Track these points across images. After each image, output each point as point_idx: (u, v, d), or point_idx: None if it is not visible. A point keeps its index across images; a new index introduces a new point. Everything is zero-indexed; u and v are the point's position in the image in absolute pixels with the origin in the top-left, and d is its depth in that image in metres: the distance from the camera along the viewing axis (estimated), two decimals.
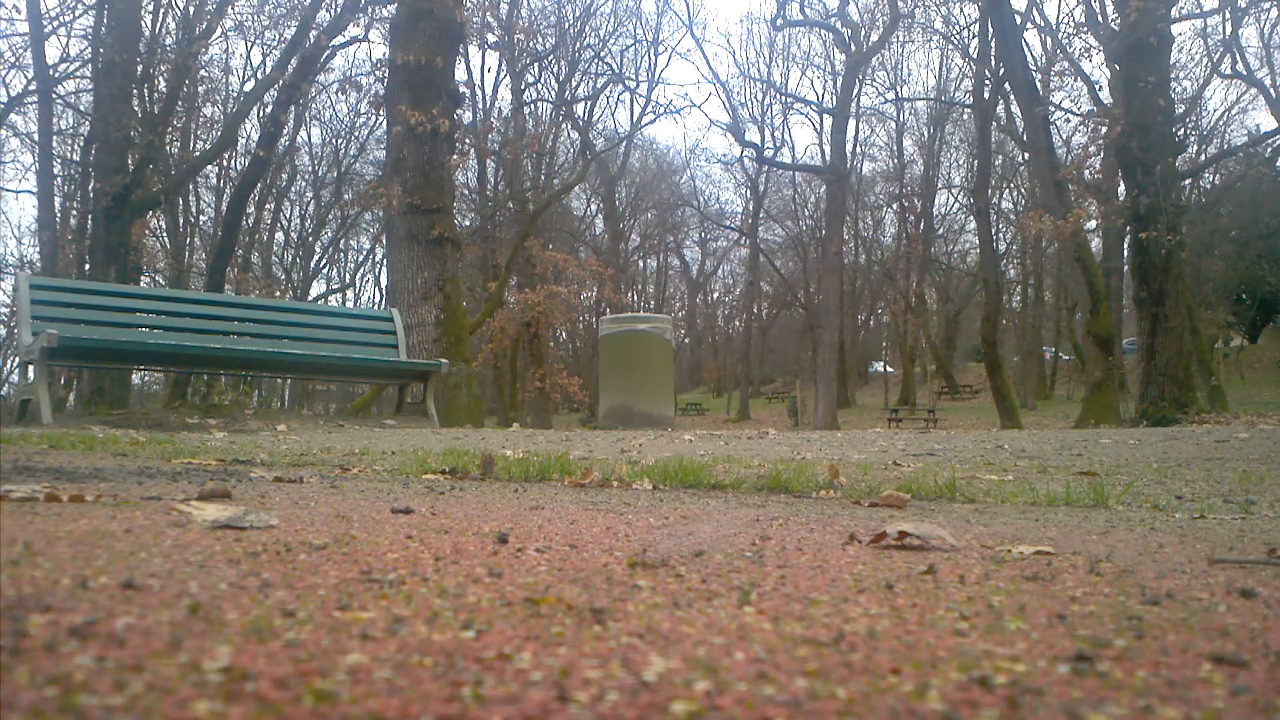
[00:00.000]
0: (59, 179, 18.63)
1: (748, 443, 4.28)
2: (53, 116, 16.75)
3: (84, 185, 16.59)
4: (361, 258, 33.31)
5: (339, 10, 13.77)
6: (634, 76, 27.22)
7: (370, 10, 13.73)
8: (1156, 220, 11.79)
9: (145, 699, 0.48)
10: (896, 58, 32.64)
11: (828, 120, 28.05)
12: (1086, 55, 18.93)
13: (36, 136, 16.64)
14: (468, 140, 12.26)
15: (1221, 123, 26.62)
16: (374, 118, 22.61)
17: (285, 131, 18.95)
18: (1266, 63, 22.76)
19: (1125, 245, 17.10)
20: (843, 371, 30.31)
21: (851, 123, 27.79)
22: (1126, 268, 17.44)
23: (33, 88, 16.01)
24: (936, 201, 32.52)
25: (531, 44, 22.08)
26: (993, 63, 20.43)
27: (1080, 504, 2.02)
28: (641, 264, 39.91)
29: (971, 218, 28.80)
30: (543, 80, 26.57)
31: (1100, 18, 15.92)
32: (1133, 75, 12.28)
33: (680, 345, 41.92)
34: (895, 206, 32.93)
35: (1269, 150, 22.31)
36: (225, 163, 22.48)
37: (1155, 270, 11.89)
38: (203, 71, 16.93)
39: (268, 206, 26.65)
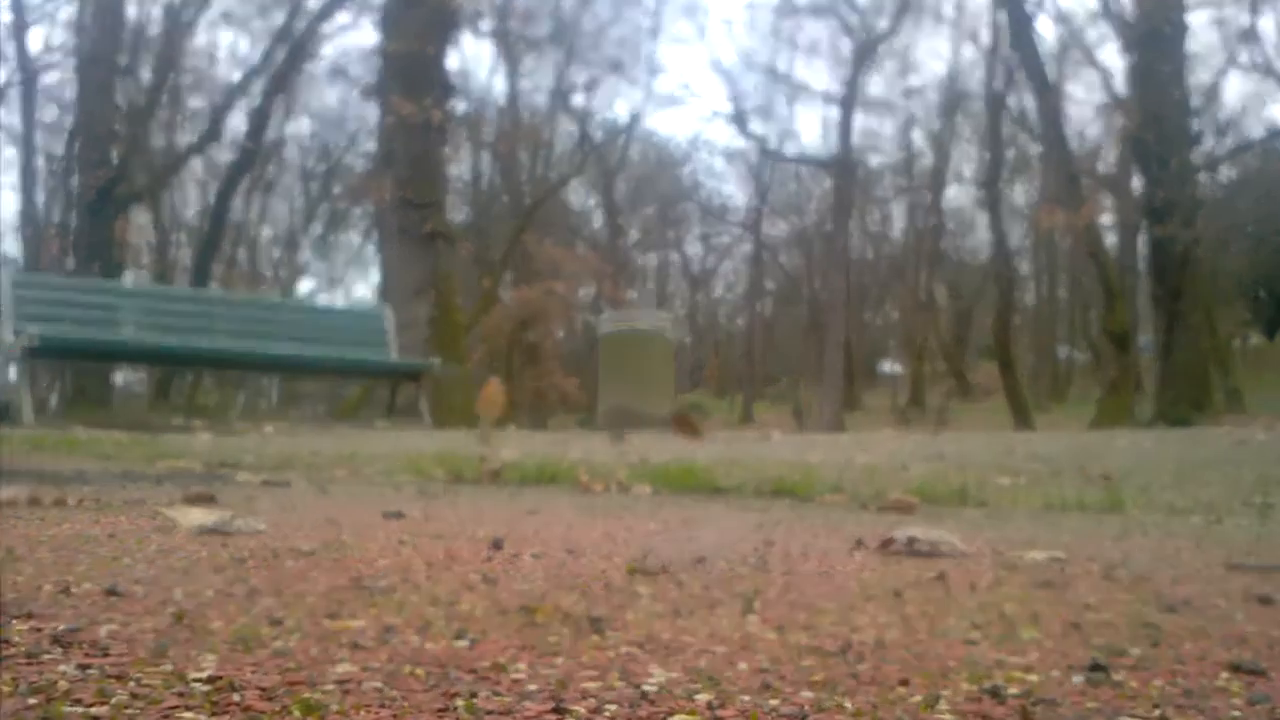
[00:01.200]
0: (42, 173, 18.54)
1: (751, 445, 4.29)
2: (35, 110, 16.66)
3: (67, 179, 16.50)
4: (352, 253, 33.27)
5: None
6: (634, 65, 27.11)
7: None
8: (1172, 214, 11.69)
9: (129, 709, 0.48)
10: (905, 46, 32.55)
11: (834, 111, 27.99)
12: (1100, 45, 18.82)
13: (19, 129, 16.54)
14: (462, 132, 12.21)
15: (1239, 115, 26.50)
16: (365, 109, 22.53)
17: (273, 123, 18.85)
18: None
19: (1140, 241, 17.08)
20: (850, 371, 30.29)
21: (859, 113, 27.67)
22: (1143, 265, 17.43)
23: (15, 79, 15.91)
24: (946, 195, 32.48)
25: (527, 31, 22.00)
26: (1005, 52, 20.37)
27: (1095, 508, 2.01)
28: (641, 260, 39.96)
29: (983, 212, 28.81)
30: (539, 69, 26.48)
31: (1114, 6, 15.83)
32: (1147, 65, 12.20)
33: (681, 344, 41.97)
34: (904, 200, 32.91)
35: None
36: (211, 155, 22.37)
37: (1172, 266, 11.77)
38: (188, 62, 16.82)
39: (255, 200, 26.55)
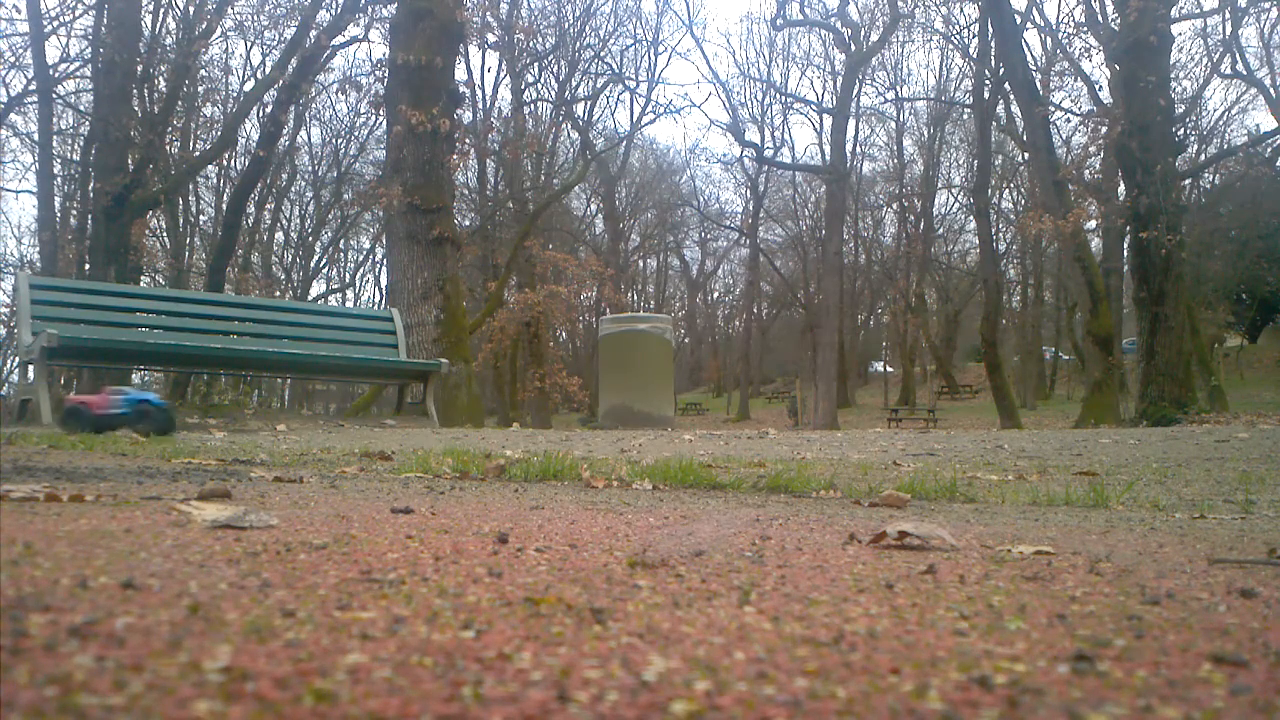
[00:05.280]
0: (59, 179, 18.64)
1: (748, 442, 4.29)
2: (53, 116, 16.75)
3: (84, 185, 16.61)
4: (361, 257, 33.38)
5: (339, 10, 13.78)
6: (634, 76, 27.22)
7: (370, 10, 13.75)
8: (1156, 220, 11.79)
9: (145, 699, 0.48)
10: (896, 57, 32.69)
11: (828, 120, 28.07)
12: (1086, 55, 18.93)
13: (36, 136, 16.65)
14: (468, 140, 12.27)
15: (1221, 123, 26.66)
16: (374, 118, 22.61)
17: (285, 131, 18.94)
18: (1266, 62, 22.78)
19: (1125, 245, 17.12)
20: (842, 371, 30.31)
21: (851, 123, 27.80)
22: (1126, 268, 17.46)
23: (33, 88, 16.01)
24: (936, 201, 32.53)
25: (531, 44, 22.06)
26: (993, 62, 20.44)
27: (1080, 504, 2.02)
28: (641, 264, 39.91)
29: (971, 218, 28.81)
30: (543, 80, 26.58)
31: (1100, 17, 15.92)
32: (1133, 75, 12.28)
33: (680, 345, 41.94)
34: (895, 206, 32.93)
35: (1269, 150, 22.30)
36: (225, 163, 22.48)
37: (1155, 270, 11.90)
38: (203, 71, 16.93)
39: (268, 206, 26.66)
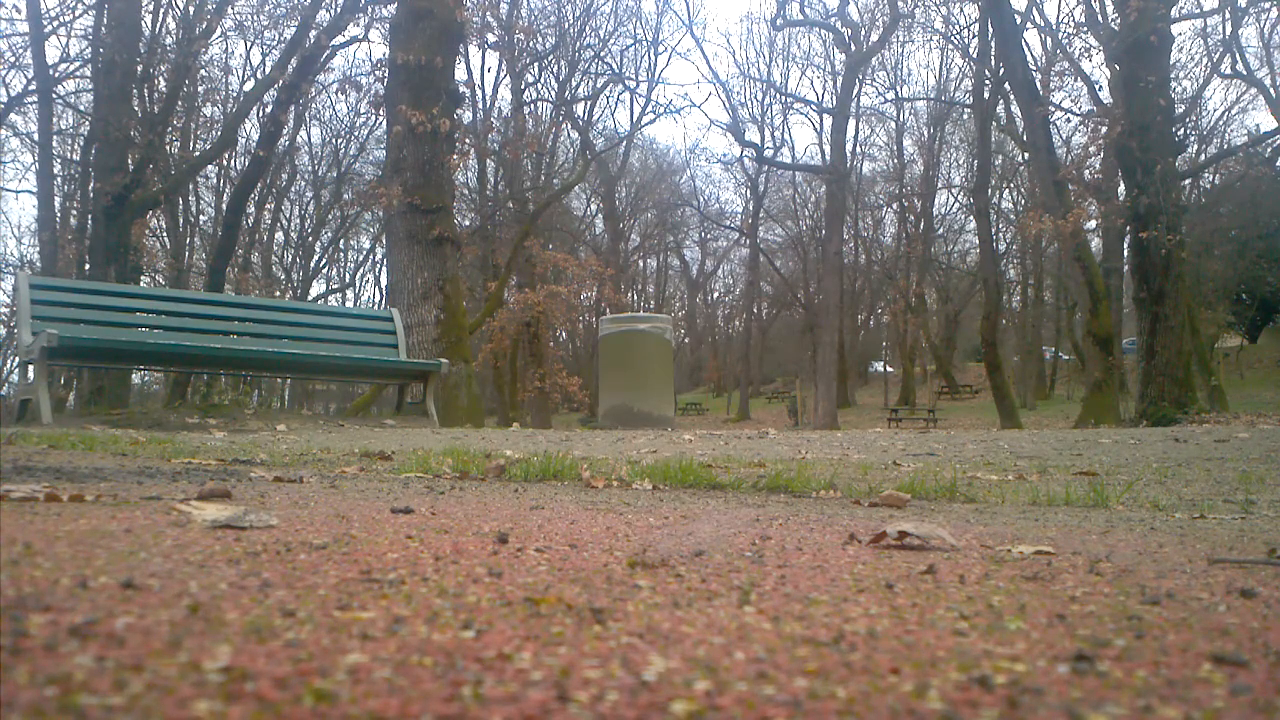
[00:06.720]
0: (59, 179, 18.65)
1: (748, 442, 4.29)
2: (53, 116, 16.77)
3: (84, 185, 16.62)
4: (361, 257, 33.42)
5: (339, 10, 13.79)
6: (634, 76, 27.24)
7: (370, 10, 13.76)
8: (1156, 220, 11.80)
9: (145, 699, 0.48)
10: (896, 57, 32.74)
11: (828, 120, 28.10)
12: (1086, 55, 18.94)
13: (36, 136, 16.66)
14: (468, 140, 12.29)
15: (1221, 123, 26.69)
16: (374, 118, 22.62)
17: (285, 131, 18.95)
18: (1266, 62, 22.80)
19: (1125, 245, 17.13)
20: (842, 371, 30.35)
21: (851, 123, 27.83)
22: (1126, 268, 17.46)
23: (33, 88, 16.03)
24: (936, 201, 32.55)
25: (531, 44, 22.06)
26: (993, 63, 20.46)
27: (1080, 504, 2.02)
28: (641, 264, 39.93)
29: (971, 218, 28.82)
30: (543, 80, 26.59)
31: (1100, 17, 15.93)
32: (1133, 75, 12.29)
33: (680, 345, 41.95)
34: (895, 206, 32.95)
35: (1269, 150, 22.32)
36: (225, 163, 22.49)
37: (1155, 270, 11.91)
38: (203, 71, 16.95)
39: (268, 206, 26.67)
